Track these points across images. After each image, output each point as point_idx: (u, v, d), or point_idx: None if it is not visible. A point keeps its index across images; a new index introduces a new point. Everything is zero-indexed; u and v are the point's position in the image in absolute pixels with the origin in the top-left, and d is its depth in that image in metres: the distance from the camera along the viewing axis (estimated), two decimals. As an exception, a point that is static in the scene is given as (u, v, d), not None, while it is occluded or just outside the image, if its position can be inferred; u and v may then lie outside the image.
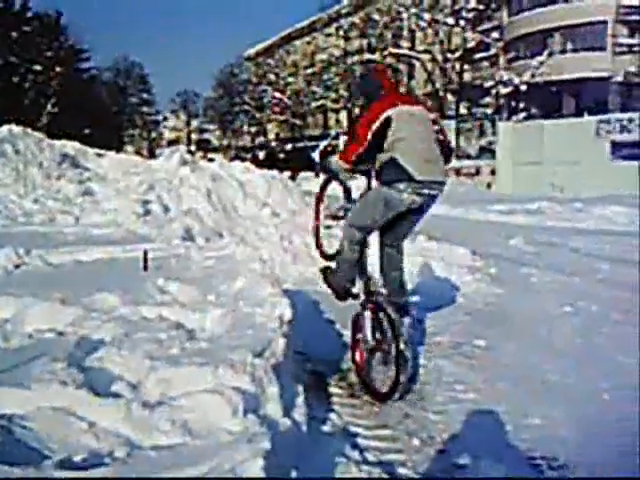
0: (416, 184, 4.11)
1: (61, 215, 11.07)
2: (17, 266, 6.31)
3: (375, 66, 5.03)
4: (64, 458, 2.32)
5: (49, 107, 46.14)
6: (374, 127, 4.11)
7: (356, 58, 50.26)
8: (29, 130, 17.75)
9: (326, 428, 3.83)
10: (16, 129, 17.04)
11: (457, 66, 42.00)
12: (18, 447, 2.44)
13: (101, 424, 2.73)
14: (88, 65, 57.27)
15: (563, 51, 37.74)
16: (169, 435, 2.69)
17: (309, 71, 58.86)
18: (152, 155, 58.74)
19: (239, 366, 3.19)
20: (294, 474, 2.34)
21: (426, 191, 4.19)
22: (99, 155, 18.51)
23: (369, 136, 4.13)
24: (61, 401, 2.82)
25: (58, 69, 47.11)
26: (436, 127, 4.39)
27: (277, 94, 60.87)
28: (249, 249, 5.28)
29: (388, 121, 4.12)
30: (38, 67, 45.69)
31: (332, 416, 4.06)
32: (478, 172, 29.15)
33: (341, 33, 53.10)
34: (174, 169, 10.91)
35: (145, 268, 5.50)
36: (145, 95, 77.45)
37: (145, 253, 5.07)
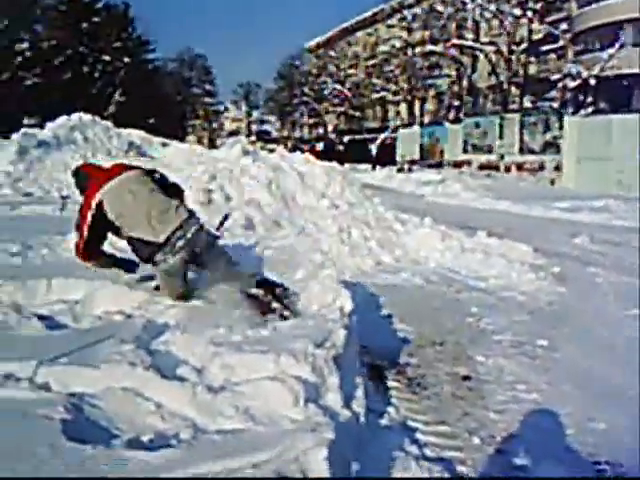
0: (166, 245, 4.04)
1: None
2: (86, 250, 6.53)
3: (81, 164, 4.99)
4: (132, 438, 2.39)
5: (116, 96, 47.49)
6: (89, 216, 4.09)
7: (418, 50, 49.63)
8: (98, 118, 18.41)
9: (384, 421, 3.82)
10: (86, 117, 17.70)
11: (522, 58, 40.89)
12: (88, 425, 2.54)
13: (167, 406, 2.81)
14: (153, 56, 58.67)
15: (635, 44, 36.18)
16: (232, 420, 2.74)
17: (370, 63, 58.51)
18: (212, 145, 59.80)
19: (300, 355, 3.22)
20: (355, 466, 2.35)
21: (181, 242, 4.10)
22: (163, 144, 19.03)
23: (85, 230, 4.16)
24: (129, 382, 2.92)
25: (125, 59, 48.42)
26: (155, 176, 4.38)
27: (337, 86, 60.81)
28: (309, 240, 5.30)
29: (100, 205, 4.09)
30: (106, 57, 47.08)
31: (390, 410, 4.04)
32: (542, 167, 28.37)
33: (403, 24, 52.49)
34: (236, 159, 11.04)
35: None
36: (208, 86, 78.82)
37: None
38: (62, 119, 17.20)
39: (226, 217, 5.29)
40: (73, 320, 4.25)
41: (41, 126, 18.57)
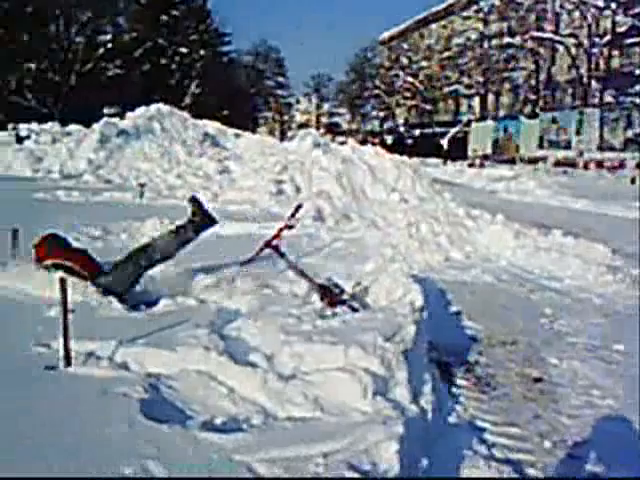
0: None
1: (201, 191, 11.68)
2: (162, 236, 6.76)
3: None
4: (206, 420, 2.46)
5: (193, 88, 48.67)
6: None
7: (495, 42, 48.36)
8: (175, 109, 18.93)
9: (452, 419, 3.77)
10: (164, 108, 18.23)
11: (605, 51, 39.17)
12: (164, 405, 2.63)
13: (239, 391, 2.88)
14: (229, 48, 59.66)
15: None
16: (301, 408, 2.78)
17: (444, 55, 57.47)
18: (283, 137, 60.39)
19: (369, 348, 3.22)
20: (425, 462, 2.33)
21: None
22: (237, 135, 19.36)
23: None
24: (204, 365, 3.01)
25: (202, 52, 49.50)
26: None
27: (409, 78, 60.12)
28: (380, 234, 5.28)
29: None
30: (184, 50, 48.27)
31: (458, 408, 3.99)
32: (622, 165, 27.16)
33: (480, 16, 51.25)
34: (307, 151, 11.14)
35: (278, 244, 5.70)
36: (280, 78, 79.56)
37: (280, 230, 5.23)
38: (141, 109, 17.80)
39: (299, 207, 5.34)
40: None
41: (121, 116, 19.28)
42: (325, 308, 4.25)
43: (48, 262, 4.32)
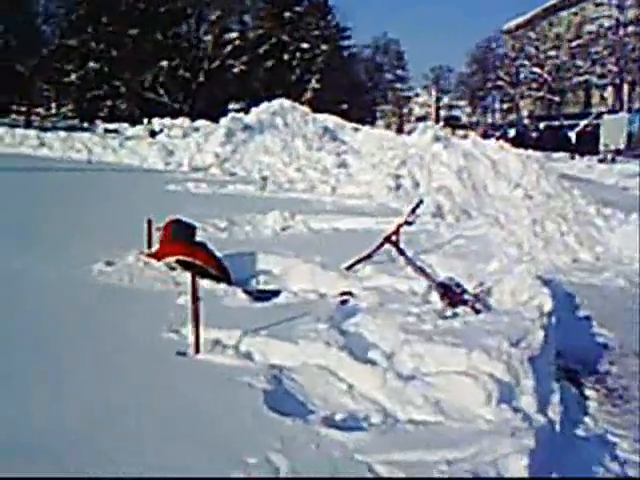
0: None
1: (320, 184, 11.86)
2: (284, 229, 6.92)
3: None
4: (327, 415, 2.47)
5: (313, 83, 49.42)
6: None
7: (631, 29, 45.01)
8: (296, 104, 19.32)
9: (580, 432, 3.55)
10: (286, 103, 18.65)
11: None
12: (286, 398, 2.67)
13: (358, 388, 2.87)
14: (349, 43, 59.90)
15: None
16: (422, 411, 2.72)
17: (574, 44, 54.25)
18: (401, 131, 59.84)
19: (494, 352, 3.10)
20: (555, 477, 2.20)
21: None
22: (355, 129, 19.41)
23: None
24: (324, 360, 3.03)
25: (323, 47, 50.11)
26: None
27: (535, 69, 57.43)
28: (504, 232, 5.08)
29: None
30: (305, 45, 49.11)
31: (587, 420, 3.75)
32: None
33: (614, 2, 47.84)
34: (427, 145, 10.95)
35: (397, 240, 5.64)
36: (399, 71, 78.79)
37: (399, 226, 5.17)
38: (264, 105, 18.31)
39: (419, 203, 5.26)
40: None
41: (245, 111, 19.94)
42: (445, 308, 4.14)
43: (172, 259, 4.53)
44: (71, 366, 2.84)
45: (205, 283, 4.34)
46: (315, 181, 12.30)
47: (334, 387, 2.84)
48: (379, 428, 2.48)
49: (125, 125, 31.58)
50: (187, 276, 4.49)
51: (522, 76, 59.77)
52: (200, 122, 21.47)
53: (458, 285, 4.18)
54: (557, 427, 3.17)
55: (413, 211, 5.15)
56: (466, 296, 4.05)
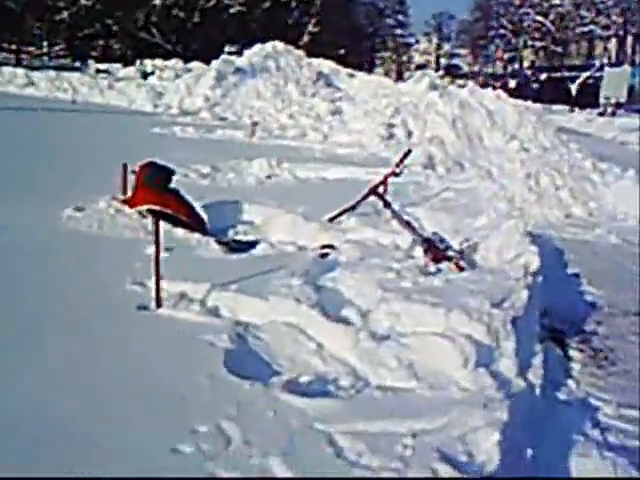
0: None
1: (312, 132, 11.53)
2: (269, 177, 6.68)
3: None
4: (291, 378, 2.32)
5: (310, 27, 48.04)
6: None
7: (639, -23, 43.68)
8: (291, 47, 18.69)
9: (562, 396, 3.43)
10: (280, 46, 18.04)
11: None
12: (250, 358, 2.51)
13: (329, 348, 2.71)
14: (348, -16, 57.99)
15: None
16: (394, 374, 2.57)
17: (580, -8, 52.75)
18: (400, 78, 58.64)
19: (474, 313, 2.94)
20: (529, 452, 2.06)
21: None
22: (350, 75, 18.87)
23: None
24: (294, 317, 2.86)
25: (322, -12, 48.49)
26: None
27: (539, 17, 55.99)
28: (495, 186, 4.87)
29: None
30: (304, -14, 47.50)
31: (570, 383, 3.63)
32: None
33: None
34: (422, 94, 10.58)
35: (384, 192, 5.42)
36: (401, 17, 76.71)
37: (386, 177, 4.95)
38: (257, 47, 17.70)
39: (407, 153, 5.02)
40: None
41: (240, 54, 19.31)
42: (429, 264, 3.97)
43: (144, 207, 4.30)
44: (24, 319, 2.66)
45: (179, 232, 4.16)
46: (307, 128, 11.96)
47: (302, 346, 2.68)
48: (346, 393, 2.33)
49: (117, 66, 30.69)
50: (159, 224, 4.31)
51: (525, 24, 58.34)
52: (193, 64, 20.84)
53: (442, 240, 3.99)
54: (537, 391, 3.05)
55: (401, 161, 4.92)
56: (450, 252, 3.86)
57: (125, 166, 4.68)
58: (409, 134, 9.85)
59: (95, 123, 10.61)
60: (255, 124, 10.84)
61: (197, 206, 4.86)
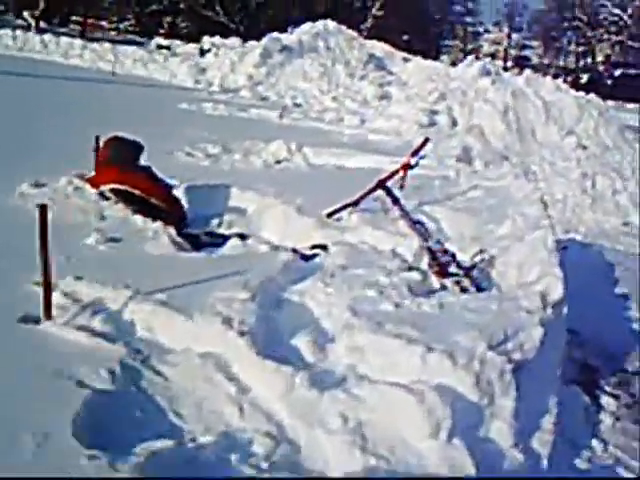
0: None
1: (349, 116, 10.77)
2: (278, 161, 6.02)
3: None
4: (166, 450, 1.64)
5: (374, 10, 46.85)
6: None
7: None
8: (343, 27, 17.83)
9: (581, 464, 2.67)
10: (331, 25, 17.23)
11: None
12: (128, 407, 1.84)
13: (255, 394, 2.03)
14: (418, -31, 56.23)
15: None
16: (333, 438, 1.88)
17: (663, -16, 49.59)
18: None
19: (462, 357, 2.19)
20: None
21: None
22: (405, 59, 17.89)
23: None
24: (220, 347, 2.18)
25: (390, -31, 47.10)
26: None
27: (617, 11, 53.03)
28: (530, 186, 4.09)
29: None
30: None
31: (595, 444, 2.86)
32: None
33: None
34: (472, 79, 9.66)
35: (401, 187, 4.67)
36: (470, 4, 74.22)
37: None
38: (307, 25, 16.95)
39: (425, 143, 4.27)
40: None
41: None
42: (434, 277, 3.23)
43: (106, 187, 3.70)
44: None
45: (137, 220, 3.54)
46: (347, 112, 11.20)
47: (219, 390, 2.00)
48: (253, 469, 1.65)
49: (178, 42, 30.54)
50: (120, 208, 3.71)
51: (601, 17, 55.45)
52: (252, 43, 20.25)
53: (446, 251, 3.23)
54: (544, 462, 2.31)
55: (416, 152, 4.16)
56: (452, 268, 3.09)
57: (97, 139, 4.08)
58: (454, 123, 8.98)
59: (121, 95, 10.15)
60: (285, 108, 10.21)
61: (176, 188, 4.25)
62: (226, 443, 1.80)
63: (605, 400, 3.35)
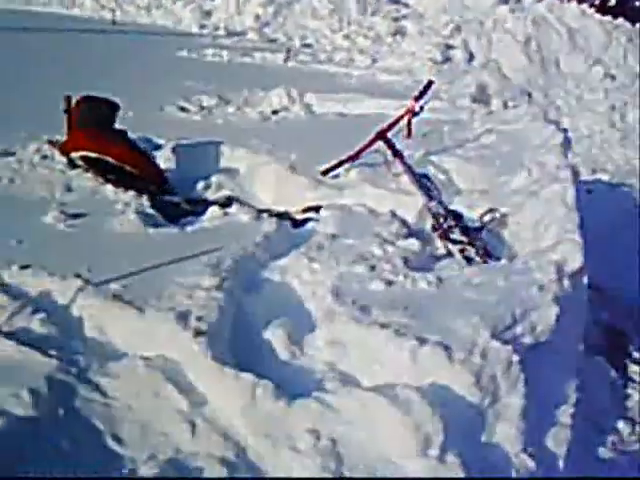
0: None
1: (360, 56, 10.17)
2: (275, 112, 5.58)
3: None
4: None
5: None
6: None
7: None
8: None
9: (605, 452, 2.36)
10: (340, -44, 16.27)
11: None
12: (53, 436, 1.57)
13: (212, 408, 1.73)
14: None
15: None
16: (303, 461, 1.58)
17: None
18: None
19: (460, 351, 1.86)
20: None
21: None
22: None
23: None
24: (173, 350, 1.87)
25: None
26: None
27: None
28: (550, 128, 3.63)
29: None
30: None
31: (622, 426, 2.53)
32: None
33: None
34: (489, 8, 8.96)
35: (409, 134, 4.24)
36: None
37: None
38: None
39: (429, 85, 3.83)
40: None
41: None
42: (438, 241, 2.87)
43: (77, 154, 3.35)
44: None
45: (107, 191, 3.21)
46: (357, 52, 10.58)
47: (166, 403, 1.70)
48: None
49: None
50: (90, 177, 3.38)
51: None
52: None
53: (449, 212, 2.85)
54: (560, 463, 2.00)
55: (420, 96, 3.72)
56: (454, 235, 2.71)
57: (69, 99, 3.71)
58: (470, 57, 8.37)
59: (118, 45, 9.65)
60: (289, 50, 9.68)
61: (161, 149, 3.92)
62: (173, 473, 1.51)
63: (634, 370, 3.01)
